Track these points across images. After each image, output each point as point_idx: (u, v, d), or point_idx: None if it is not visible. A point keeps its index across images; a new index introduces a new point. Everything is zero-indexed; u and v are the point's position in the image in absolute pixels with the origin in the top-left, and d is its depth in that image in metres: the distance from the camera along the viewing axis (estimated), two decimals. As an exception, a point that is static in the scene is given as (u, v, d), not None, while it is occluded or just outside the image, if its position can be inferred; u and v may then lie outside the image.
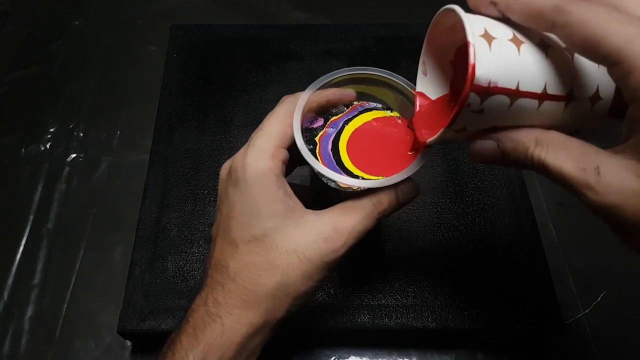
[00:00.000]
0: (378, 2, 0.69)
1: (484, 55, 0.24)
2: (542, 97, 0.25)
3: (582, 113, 0.26)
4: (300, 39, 0.60)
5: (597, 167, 0.22)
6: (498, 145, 0.27)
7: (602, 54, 0.22)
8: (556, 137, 0.25)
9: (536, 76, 0.25)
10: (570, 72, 0.25)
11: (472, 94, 0.24)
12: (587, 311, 0.46)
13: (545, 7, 0.23)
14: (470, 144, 0.28)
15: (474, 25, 0.24)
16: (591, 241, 0.50)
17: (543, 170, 0.25)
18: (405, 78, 0.33)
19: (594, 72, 0.26)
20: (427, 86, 0.31)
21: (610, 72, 0.23)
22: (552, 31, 0.24)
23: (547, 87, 0.25)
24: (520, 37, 0.25)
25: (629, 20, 0.22)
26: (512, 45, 0.25)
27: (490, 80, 0.24)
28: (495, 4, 0.25)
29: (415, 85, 0.32)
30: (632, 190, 0.22)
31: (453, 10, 0.25)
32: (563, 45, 0.25)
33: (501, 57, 0.24)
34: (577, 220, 0.51)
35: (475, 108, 0.25)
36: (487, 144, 0.27)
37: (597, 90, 0.26)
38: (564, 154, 0.24)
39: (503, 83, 0.24)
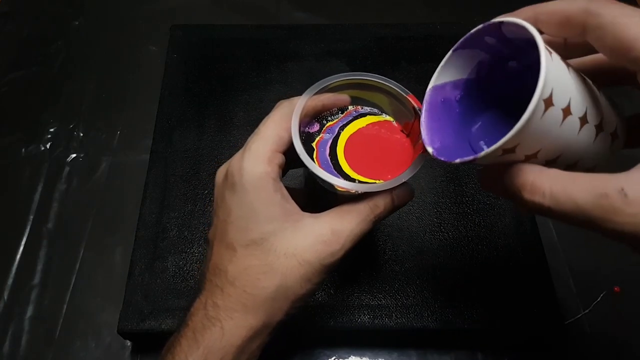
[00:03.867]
0: (378, 2, 0.69)
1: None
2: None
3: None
4: (300, 39, 0.60)
5: (622, 189, 0.21)
6: (505, 176, 0.25)
7: (633, 57, 0.22)
8: (558, 172, 0.24)
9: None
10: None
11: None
12: (587, 311, 0.46)
13: (575, 11, 0.23)
14: (481, 171, 0.28)
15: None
16: (591, 241, 0.50)
17: (548, 209, 0.23)
18: (405, 78, 0.33)
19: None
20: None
21: (639, 76, 0.23)
22: (583, 36, 0.23)
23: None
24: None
25: None
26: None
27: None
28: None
29: (409, 90, 0.32)
30: None
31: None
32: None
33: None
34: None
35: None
36: (495, 173, 0.26)
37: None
38: (574, 186, 0.22)
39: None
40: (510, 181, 0.25)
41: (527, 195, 0.24)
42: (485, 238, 0.46)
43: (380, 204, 0.31)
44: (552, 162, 0.26)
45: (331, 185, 0.31)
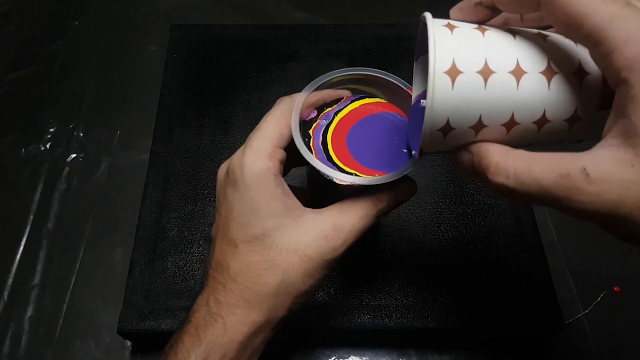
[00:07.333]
0: (378, 2, 0.69)
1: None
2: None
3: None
4: (300, 39, 0.60)
5: (584, 169, 0.21)
6: (472, 158, 0.25)
7: (583, 33, 0.21)
8: (522, 152, 0.23)
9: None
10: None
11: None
12: (587, 311, 0.46)
13: None
14: (453, 155, 0.27)
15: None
16: (591, 241, 0.50)
17: (513, 190, 0.23)
18: (405, 78, 0.33)
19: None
20: (419, 87, 0.31)
21: (591, 54, 0.22)
22: (537, 10, 0.23)
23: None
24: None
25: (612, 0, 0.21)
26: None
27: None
28: (480, 2, 0.25)
29: (411, 85, 0.32)
30: (630, 181, 0.20)
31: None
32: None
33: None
34: (577, 220, 0.51)
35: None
36: (463, 156, 0.26)
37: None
38: (537, 167, 0.22)
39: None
40: (477, 163, 0.25)
41: (491, 177, 0.24)
42: (485, 238, 0.46)
43: (383, 199, 0.31)
44: (512, 123, 0.25)
45: (332, 179, 0.31)
